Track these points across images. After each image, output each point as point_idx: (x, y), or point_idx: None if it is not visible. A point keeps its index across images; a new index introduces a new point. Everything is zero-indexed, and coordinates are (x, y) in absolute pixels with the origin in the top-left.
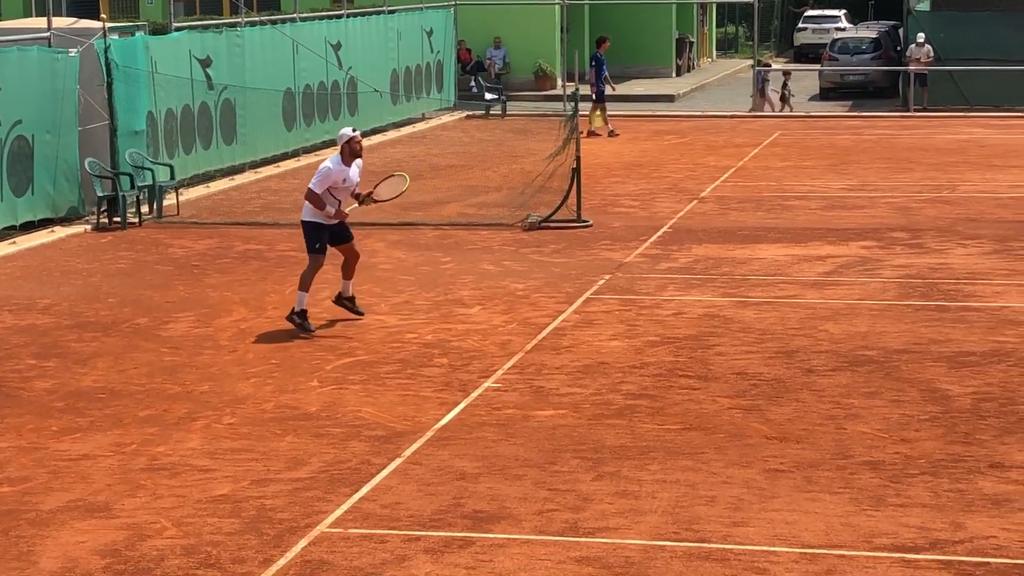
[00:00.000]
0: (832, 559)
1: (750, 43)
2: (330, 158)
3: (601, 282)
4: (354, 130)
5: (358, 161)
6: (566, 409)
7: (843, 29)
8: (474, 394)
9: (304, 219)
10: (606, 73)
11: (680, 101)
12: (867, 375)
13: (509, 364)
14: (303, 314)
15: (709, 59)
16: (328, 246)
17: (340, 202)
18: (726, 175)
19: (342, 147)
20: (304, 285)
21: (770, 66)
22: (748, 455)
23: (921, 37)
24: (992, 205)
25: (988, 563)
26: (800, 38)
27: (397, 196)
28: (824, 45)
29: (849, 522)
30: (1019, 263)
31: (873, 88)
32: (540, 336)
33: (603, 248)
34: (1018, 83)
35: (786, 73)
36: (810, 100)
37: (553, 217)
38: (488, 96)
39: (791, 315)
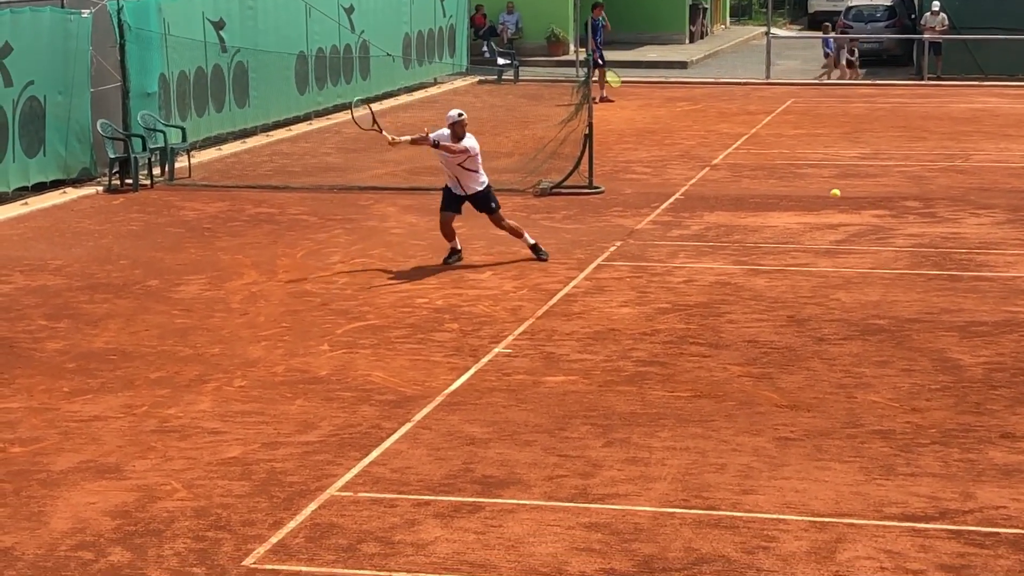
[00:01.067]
0: (842, 527)
1: (764, 10)
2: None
3: (612, 248)
4: (460, 114)
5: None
6: (576, 375)
7: None
8: (484, 359)
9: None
10: (600, 38)
11: (693, 68)
12: (878, 344)
13: (520, 330)
14: (535, 246)
15: (723, 26)
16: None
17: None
18: (739, 142)
19: (451, 126)
20: (519, 234)
21: (831, 33)
22: (758, 423)
23: (936, 5)
24: (1005, 175)
25: (998, 533)
26: (814, 5)
27: (366, 127)
28: (838, 12)
29: (859, 491)
30: None
31: (887, 56)
32: (551, 302)
33: (614, 215)
34: None
35: (853, 39)
36: (823, 68)
37: (565, 183)
38: (500, 61)
39: (802, 283)
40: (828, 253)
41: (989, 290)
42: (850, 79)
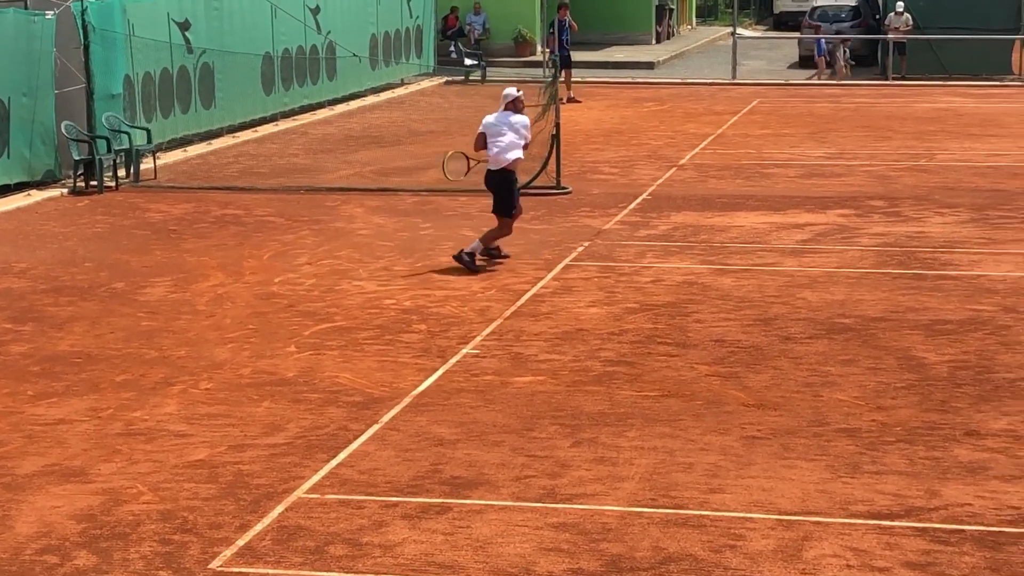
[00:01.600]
0: (808, 526)
1: (729, 10)
2: (506, 114)
3: (580, 249)
4: (518, 90)
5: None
6: (544, 375)
7: None
8: (452, 360)
9: (512, 172)
10: (567, 37)
11: (660, 68)
12: (844, 343)
13: (488, 330)
14: (473, 255)
15: (689, 26)
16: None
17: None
18: (705, 142)
19: (507, 105)
20: (489, 243)
21: (819, 33)
22: (725, 422)
23: (900, 5)
24: (969, 174)
25: (963, 530)
26: (779, 5)
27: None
28: (803, 13)
29: (825, 489)
30: (996, 232)
31: (852, 56)
32: (519, 303)
33: (582, 215)
34: (996, 52)
35: (844, 40)
36: (789, 68)
37: (532, 184)
38: (468, 62)
39: (769, 283)
40: (794, 252)
41: (953, 289)
42: (844, 79)
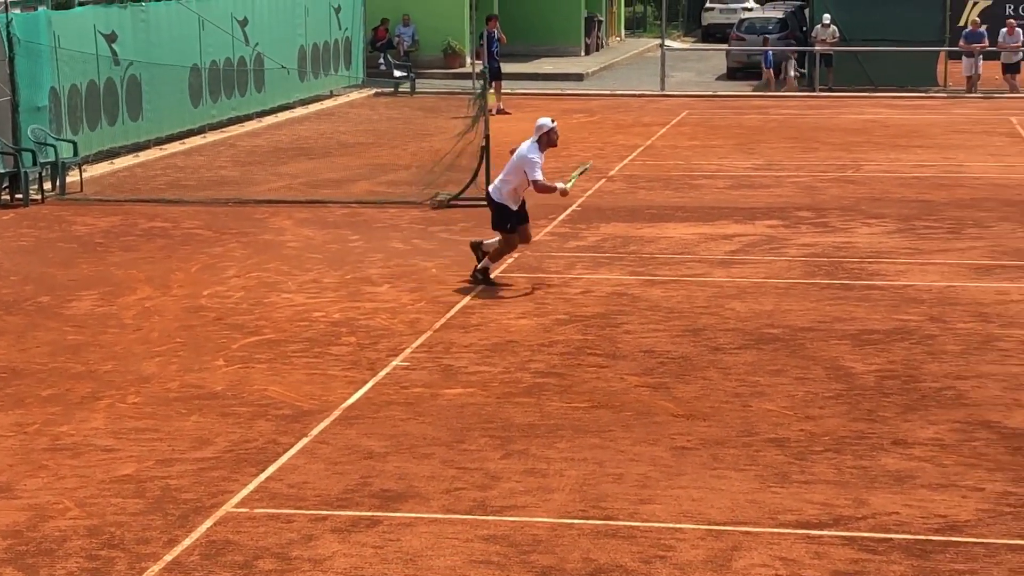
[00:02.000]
0: (737, 535)
1: (658, 22)
2: (529, 147)
3: (510, 260)
4: (553, 121)
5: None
6: (475, 387)
7: (750, 9)
8: (382, 373)
9: (496, 200)
10: (496, 49)
11: (589, 80)
12: (772, 353)
13: (418, 343)
14: (486, 271)
15: (618, 38)
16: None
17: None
18: (634, 154)
19: (540, 137)
20: (496, 259)
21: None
22: (655, 433)
23: (827, 18)
24: (895, 184)
25: (890, 539)
26: (708, 18)
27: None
28: (731, 25)
29: (754, 499)
30: (922, 242)
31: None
32: (449, 314)
33: None
34: (921, 64)
35: (794, 52)
36: (717, 80)
37: (462, 195)
38: (397, 74)
39: (698, 293)
40: (723, 263)
41: (880, 299)
42: (795, 91)
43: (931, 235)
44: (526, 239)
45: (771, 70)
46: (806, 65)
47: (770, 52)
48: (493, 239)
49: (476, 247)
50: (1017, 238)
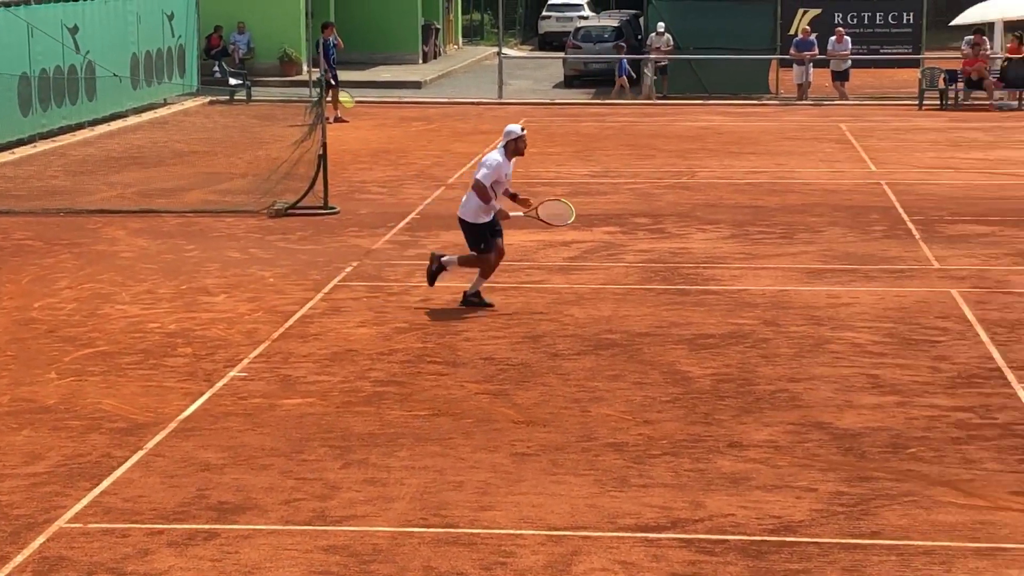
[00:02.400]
0: (577, 540)
1: (495, 30)
2: (494, 151)
3: (349, 269)
4: (523, 128)
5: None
6: (314, 397)
7: (586, 17)
8: (219, 384)
9: (465, 219)
10: (332, 56)
11: (427, 88)
12: (611, 358)
13: (255, 353)
14: (478, 295)
15: (455, 46)
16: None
17: (496, 196)
18: (473, 161)
19: (507, 144)
20: (485, 275)
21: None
22: (495, 439)
23: (661, 26)
24: (729, 191)
25: (726, 540)
26: (544, 26)
27: (556, 225)
28: (567, 33)
29: (594, 503)
30: (756, 247)
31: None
32: (287, 324)
33: (351, 235)
34: (754, 72)
35: (657, 60)
36: (554, 87)
37: (299, 204)
38: (232, 81)
39: (537, 300)
40: (561, 270)
41: (716, 303)
42: (650, 99)
43: (764, 240)
44: (499, 253)
45: (625, 77)
46: (641, 73)
47: (624, 60)
48: (454, 255)
49: (434, 258)
50: (847, 242)
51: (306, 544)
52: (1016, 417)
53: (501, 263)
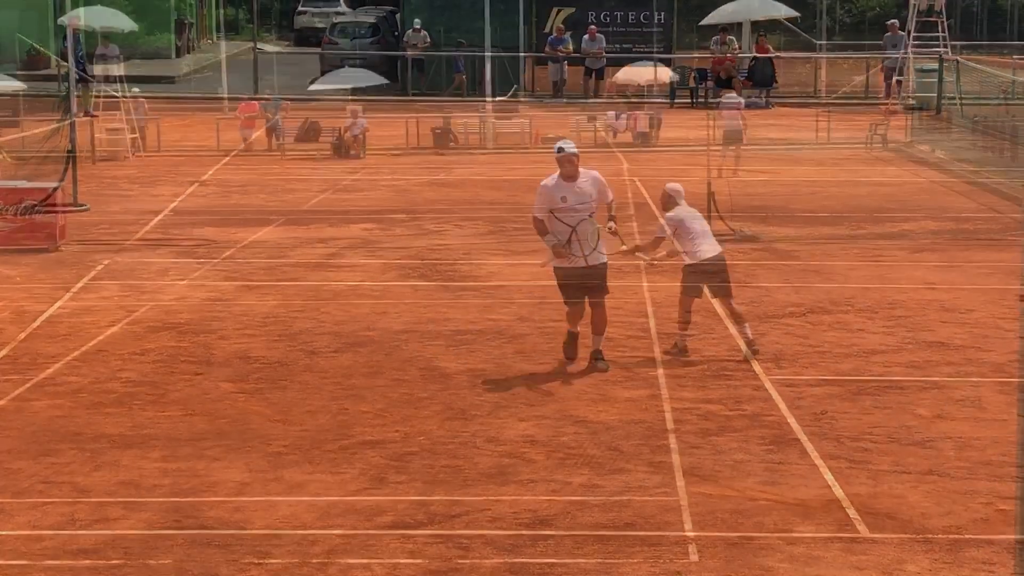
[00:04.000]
0: (335, 539)
1: (251, 25)
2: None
3: (100, 267)
4: (563, 148)
5: (593, 175)
6: (63, 399)
7: (342, 13)
8: None
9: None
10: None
11: (181, 83)
12: (369, 355)
13: (1, 354)
14: (598, 353)
15: (210, 40)
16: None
17: (574, 229)
18: (228, 158)
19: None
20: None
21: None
22: (251, 439)
23: (417, 23)
24: (486, 187)
25: (483, 535)
26: (301, 21)
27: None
28: (325, 29)
29: (351, 502)
30: (512, 243)
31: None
32: (34, 324)
33: (101, 232)
34: (509, 69)
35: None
36: (311, 83)
37: (47, 201)
38: None
39: (294, 297)
40: (318, 267)
41: (473, 299)
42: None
43: (520, 236)
44: (575, 313)
45: (462, 74)
46: (398, 70)
47: (461, 58)
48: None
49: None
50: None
51: (55, 549)
52: (763, 408)
53: (579, 323)
